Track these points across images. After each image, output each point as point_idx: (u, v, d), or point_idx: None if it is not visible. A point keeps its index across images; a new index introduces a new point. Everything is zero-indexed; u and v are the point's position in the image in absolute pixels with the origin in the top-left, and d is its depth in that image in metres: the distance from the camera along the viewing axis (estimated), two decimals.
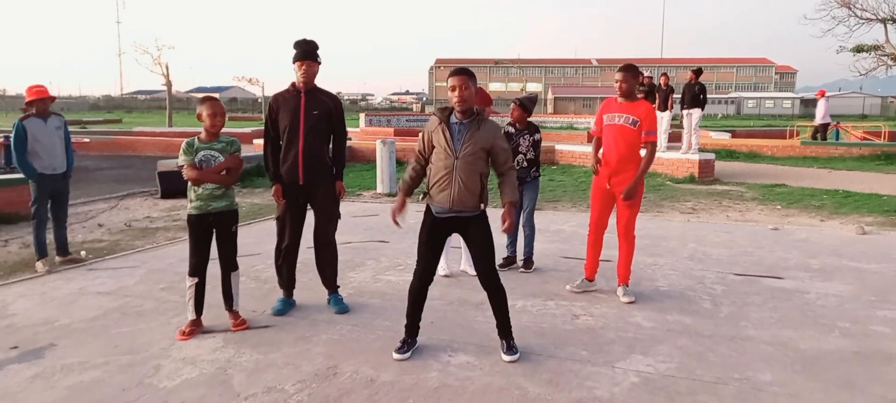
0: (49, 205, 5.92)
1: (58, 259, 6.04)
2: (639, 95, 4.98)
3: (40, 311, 4.65)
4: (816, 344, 3.92)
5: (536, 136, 5.57)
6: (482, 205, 3.64)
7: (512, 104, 5.67)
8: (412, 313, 3.82)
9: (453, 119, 3.66)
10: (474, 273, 5.49)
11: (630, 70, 4.73)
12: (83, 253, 6.44)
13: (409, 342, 3.82)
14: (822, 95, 18.87)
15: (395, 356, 3.74)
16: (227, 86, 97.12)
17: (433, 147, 3.68)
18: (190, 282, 4.19)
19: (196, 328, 4.18)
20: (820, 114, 18.51)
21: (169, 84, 30.42)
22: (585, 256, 5.07)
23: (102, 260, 6.24)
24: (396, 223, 3.75)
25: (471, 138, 3.58)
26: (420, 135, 3.82)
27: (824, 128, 18.14)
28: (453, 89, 3.57)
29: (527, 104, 5.56)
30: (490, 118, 3.81)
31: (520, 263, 5.70)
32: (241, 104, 76.76)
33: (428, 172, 3.73)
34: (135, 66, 40.39)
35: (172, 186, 10.68)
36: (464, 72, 3.61)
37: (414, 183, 3.85)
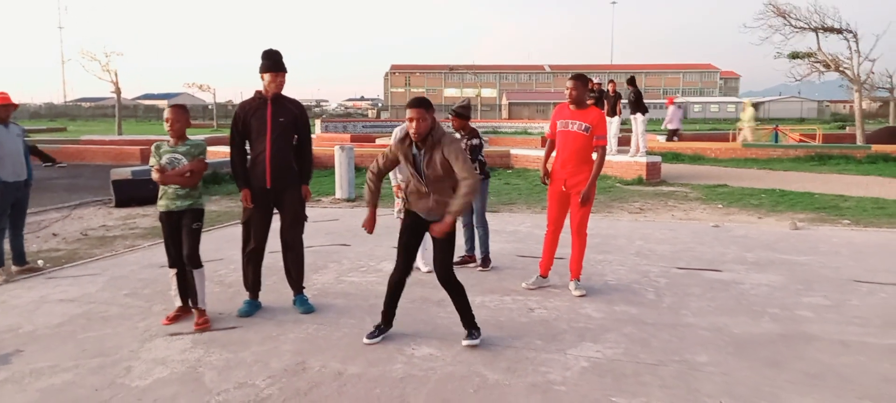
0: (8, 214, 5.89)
1: (14, 268, 5.99)
2: (589, 101, 5.29)
3: (2, 319, 4.66)
4: (748, 329, 4.29)
5: (475, 141, 5.77)
6: None
7: (449, 115, 5.94)
8: (388, 302, 4.10)
9: (414, 148, 3.86)
10: (426, 269, 5.74)
11: (580, 79, 5.05)
12: (40, 262, 6.40)
13: (382, 328, 4.12)
14: (671, 102, 21.32)
15: (365, 340, 4.04)
16: (177, 92, 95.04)
17: (395, 161, 3.95)
18: (171, 274, 4.58)
19: (181, 314, 4.53)
20: (667, 119, 20.82)
21: (118, 91, 29.69)
22: (541, 254, 5.35)
23: (61, 268, 6.21)
24: (370, 232, 4.06)
25: (429, 164, 3.80)
26: (388, 148, 4.04)
27: (673, 132, 20.05)
28: (411, 121, 3.74)
29: (460, 112, 5.82)
30: (446, 132, 3.91)
31: (478, 262, 5.95)
32: (191, 111, 75.10)
33: (401, 182, 3.98)
34: (78, 72, 39.36)
35: (127, 194, 10.56)
36: (420, 105, 3.76)
37: (376, 195, 4.06)
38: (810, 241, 7.05)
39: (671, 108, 20.97)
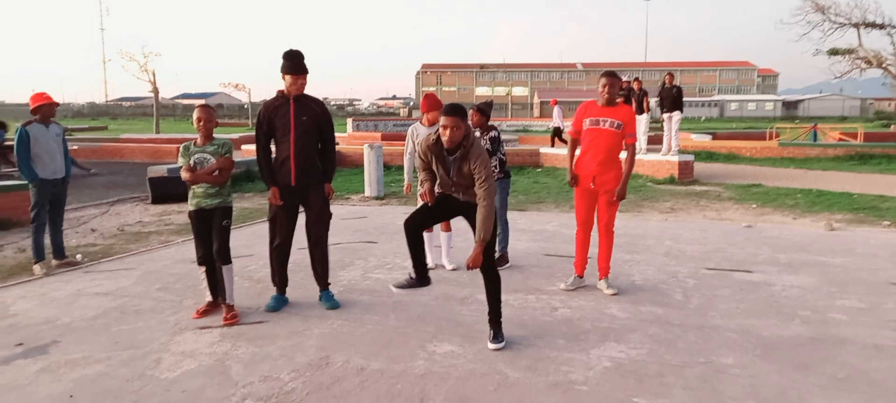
0: (47, 210, 6.11)
1: (54, 262, 6.20)
2: (618, 100, 5.26)
3: (41, 311, 4.83)
4: (777, 331, 4.20)
5: (492, 134, 5.72)
6: None
7: (470, 110, 5.93)
8: (414, 255, 4.07)
9: (444, 150, 3.88)
10: (451, 267, 5.75)
11: (614, 76, 5.03)
12: (79, 256, 6.61)
13: (413, 281, 4.11)
14: (555, 104, 21.60)
15: (393, 287, 4.19)
16: (213, 92, 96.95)
17: (428, 163, 4.00)
18: (201, 270, 4.72)
19: (211, 309, 4.66)
20: (553, 118, 21.06)
21: (156, 91, 30.42)
22: (575, 254, 5.32)
23: (98, 263, 6.41)
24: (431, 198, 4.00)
25: (458, 170, 3.84)
26: (419, 149, 4.06)
27: (558, 131, 20.11)
28: (445, 128, 3.73)
29: (484, 109, 5.81)
30: (476, 141, 3.87)
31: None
32: (227, 110, 76.71)
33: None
34: (119, 72, 40.61)
35: (163, 192, 10.83)
36: (456, 113, 3.75)
37: (433, 180, 4.09)
38: (846, 243, 6.86)
39: (556, 108, 21.23)
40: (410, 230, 4.00)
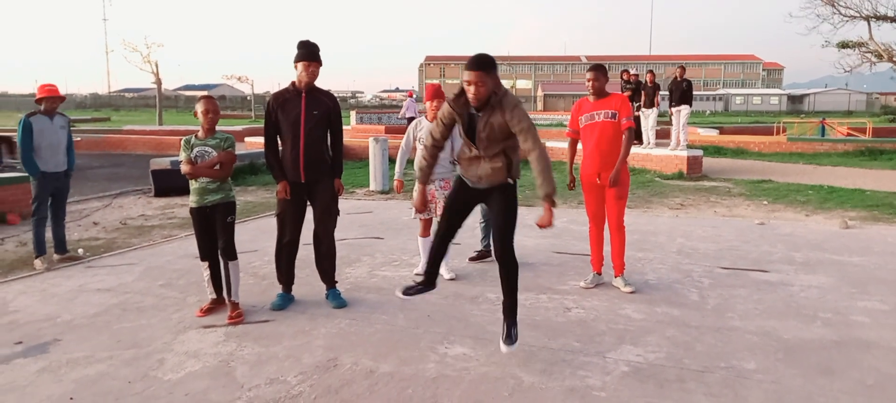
0: (49, 203, 6.00)
1: (56, 257, 6.10)
2: (626, 92, 5.16)
3: (42, 308, 4.72)
4: (798, 334, 4.07)
5: None
6: (510, 180, 3.59)
7: None
8: (431, 264, 3.76)
9: (471, 108, 3.50)
10: (449, 277, 5.35)
11: (600, 69, 4.98)
12: (80, 250, 6.50)
13: (421, 287, 3.77)
14: (411, 96, 22.03)
15: (400, 294, 3.74)
16: (216, 83, 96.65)
17: (452, 124, 3.62)
18: (203, 266, 4.60)
19: (215, 306, 4.56)
20: (404, 110, 21.52)
21: (159, 82, 30.29)
22: (590, 252, 5.20)
23: (100, 257, 6.30)
24: (421, 212, 3.73)
25: (487, 126, 3.46)
26: (435, 120, 3.73)
27: (410, 120, 20.26)
28: (469, 84, 3.36)
29: None
30: (508, 92, 3.50)
31: (493, 256, 5.76)
32: (229, 102, 76.53)
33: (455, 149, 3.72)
34: (122, 63, 40.47)
35: (166, 184, 10.72)
36: (480, 66, 3.35)
37: (430, 170, 3.80)
38: (863, 241, 6.72)
39: (408, 101, 21.39)
40: (439, 245, 3.72)
